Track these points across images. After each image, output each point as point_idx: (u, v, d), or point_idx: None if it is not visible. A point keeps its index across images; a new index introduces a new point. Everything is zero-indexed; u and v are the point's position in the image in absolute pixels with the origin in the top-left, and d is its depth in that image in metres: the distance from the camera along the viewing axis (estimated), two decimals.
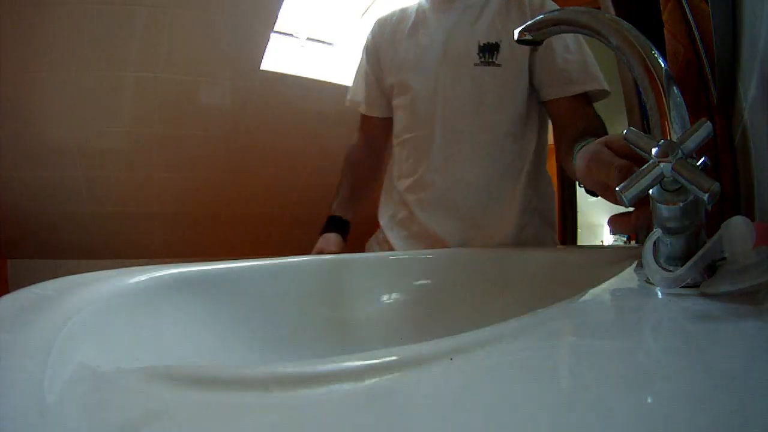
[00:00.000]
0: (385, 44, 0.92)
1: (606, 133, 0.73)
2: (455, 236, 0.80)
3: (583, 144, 0.59)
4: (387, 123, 0.95)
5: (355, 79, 0.99)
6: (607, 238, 1.92)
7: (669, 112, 0.33)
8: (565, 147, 0.72)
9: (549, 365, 0.22)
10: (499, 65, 0.80)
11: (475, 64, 0.81)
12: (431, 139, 0.83)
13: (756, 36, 0.44)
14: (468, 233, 0.80)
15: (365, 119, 0.99)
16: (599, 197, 0.54)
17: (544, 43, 0.73)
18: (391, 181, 0.92)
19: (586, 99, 0.80)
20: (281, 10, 1.86)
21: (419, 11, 0.90)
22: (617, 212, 0.46)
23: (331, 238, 0.88)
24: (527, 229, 0.83)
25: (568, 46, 0.82)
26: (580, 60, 0.81)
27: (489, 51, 0.80)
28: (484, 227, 0.81)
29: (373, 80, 0.95)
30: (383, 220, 0.92)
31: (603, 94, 0.82)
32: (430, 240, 0.81)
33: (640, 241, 1.23)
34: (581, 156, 0.50)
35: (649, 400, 0.17)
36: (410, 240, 0.84)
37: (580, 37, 0.83)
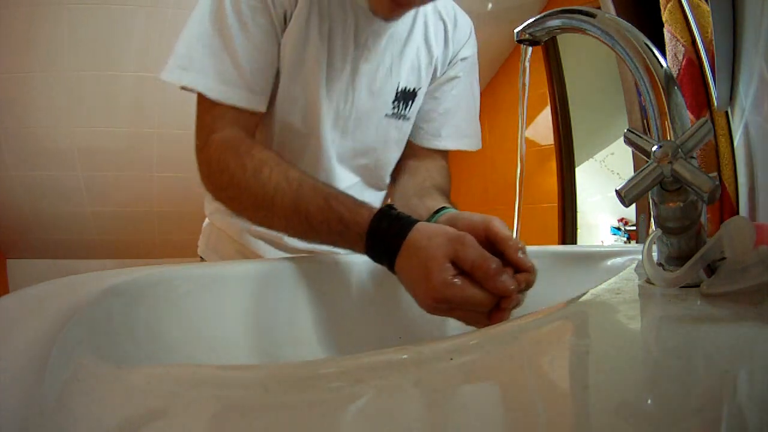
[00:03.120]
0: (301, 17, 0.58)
1: (449, 188, 0.69)
2: None
3: (442, 212, 0.55)
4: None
5: (220, 46, 0.55)
6: (607, 238, 1.92)
7: (669, 112, 0.33)
8: (412, 182, 0.67)
9: (549, 365, 0.22)
10: (408, 119, 0.70)
11: (386, 115, 0.68)
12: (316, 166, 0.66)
13: (756, 36, 0.44)
14: None
15: (244, 115, 0.58)
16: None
17: (429, 90, 0.69)
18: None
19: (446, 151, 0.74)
20: None
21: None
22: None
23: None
24: None
25: (456, 97, 0.73)
26: (463, 116, 0.74)
27: (405, 100, 0.68)
28: None
29: (272, 57, 0.59)
30: (242, 227, 0.71)
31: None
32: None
33: (641, 241, 1.23)
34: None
35: (649, 402, 0.17)
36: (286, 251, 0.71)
37: (471, 87, 0.75)
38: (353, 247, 0.48)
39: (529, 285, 0.43)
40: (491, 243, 0.45)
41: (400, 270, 0.45)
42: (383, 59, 0.66)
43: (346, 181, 0.70)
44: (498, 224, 0.46)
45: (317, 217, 0.49)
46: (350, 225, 0.48)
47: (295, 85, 0.62)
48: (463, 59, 0.72)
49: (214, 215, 0.76)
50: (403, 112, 0.69)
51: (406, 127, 0.71)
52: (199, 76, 0.54)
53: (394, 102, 0.68)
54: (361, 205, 0.49)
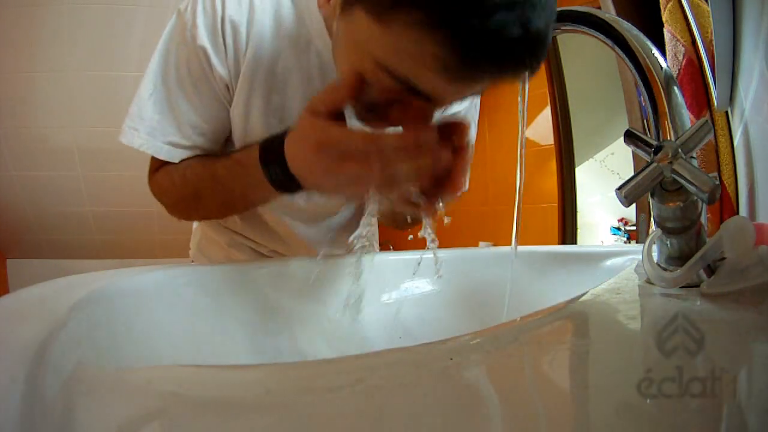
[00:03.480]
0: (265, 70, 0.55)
1: None
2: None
3: None
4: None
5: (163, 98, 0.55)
6: (607, 238, 1.92)
7: (669, 112, 0.33)
8: None
9: (549, 365, 0.22)
10: None
11: None
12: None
13: (756, 36, 0.44)
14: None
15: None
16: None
17: None
18: None
19: None
20: None
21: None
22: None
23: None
24: None
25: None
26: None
27: None
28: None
29: (219, 122, 0.57)
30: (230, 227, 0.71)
31: None
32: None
33: (641, 241, 1.23)
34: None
35: (649, 402, 0.17)
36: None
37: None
38: (259, 182, 0.47)
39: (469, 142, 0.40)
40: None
41: (297, 168, 0.43)
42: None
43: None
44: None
45: (225, 174, 0.51)
46: (245, 162, 0.48)
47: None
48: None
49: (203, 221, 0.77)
50: None
51: None
52: (149, 140, 0.56)
53: None
54: (250, 143, 0.49)
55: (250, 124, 0.57)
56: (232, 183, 0.51)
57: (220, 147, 0.60)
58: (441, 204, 0.42)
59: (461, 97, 0.40)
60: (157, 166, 0.59)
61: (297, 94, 0.57)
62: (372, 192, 0.40)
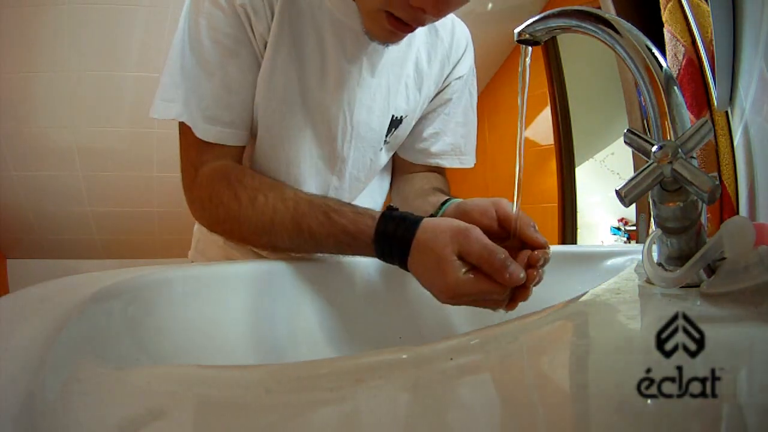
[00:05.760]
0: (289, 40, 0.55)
1: (449, 192, 0.68)
2: None
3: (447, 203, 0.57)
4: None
5: (200, 75, 0.53)
6: (607, 238, 1.92)
7: (669, 112, 0.33)
8: (412, 188, 0.68)
9: (549, 365, 0.22)
10: (388, 143, 0.66)
11: (381, 148, 0.65)
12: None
13: (756, 36, 0.44)
14: None
15: (229, 149, 0.56)
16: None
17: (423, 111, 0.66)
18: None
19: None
20: None
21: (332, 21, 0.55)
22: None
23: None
24: None
25: (449, 116, 0.70)
26: (459, 133, 0.71)
27: (395, 127, 0.64)
28: None
29: (249, 91, 0.56)
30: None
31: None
32: None
33: (641, 241, 1.23)
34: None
35: (649, 402, 0.17)
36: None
37: (465, 105, 0.72)
38: (363, 253, 0.49)
39: (546, 261, 0.45)
40: (503, 223, 0.47)
41: (414, 269, 0.46)
42: (379, 88, 0.60)
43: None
44: (506, 203, 0.48)
45: (321, 232, 0.49)
46: (356, 235, 0.48)
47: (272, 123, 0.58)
48: (458, 78, 0.68)
49: None
50: (388, 139, 0.65)
51: (387, 153, 0.68)
52: (185, 110, 0.53)
53: (387, 135, 0.64)
54: (362, 213, 0.49)
55: (273, 84, 0.56)
56: (326, 241, 0.49)
57: (248, 134, 0.58)
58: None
59: None
60: (203, 157, 0.54)
61: (314, 53, 0.56)
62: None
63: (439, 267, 0.43)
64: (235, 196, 0.52)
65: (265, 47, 0.54)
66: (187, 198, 0.57)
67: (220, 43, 0.52)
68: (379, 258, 0.48)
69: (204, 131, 0.53)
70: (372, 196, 0.73)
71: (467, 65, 0.70)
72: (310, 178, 0.61)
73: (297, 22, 0.55)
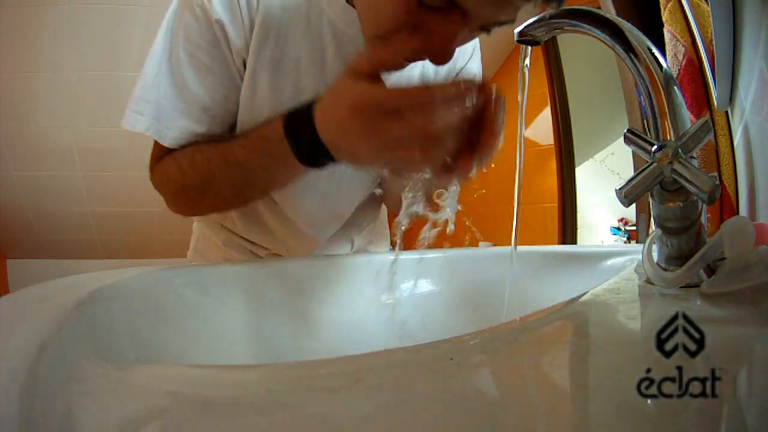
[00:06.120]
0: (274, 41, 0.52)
1: None
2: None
3: None
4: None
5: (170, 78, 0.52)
6: (607, 238, 1.92)
7: (669, 112, 0.33)
8: None
9: (549, 365, 0.22)
10: None
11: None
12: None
13: (756, 36, 0.44)
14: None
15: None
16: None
17: None
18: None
19: None
20: None
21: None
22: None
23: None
24: None
25: None
26: None
27: None
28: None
29: (231, 100, 0.54)
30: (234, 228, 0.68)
31: None
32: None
33: (641, 241, 1.23)
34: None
35: (649, 402, 0.17)
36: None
37: None
38: (284, 156, 0.45)
39: (502, 103, 0.38)
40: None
41: (329, 134, 0.41)
42: None
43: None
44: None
45: (243, 154, 0.48)
46: (269, 136, 0.45)
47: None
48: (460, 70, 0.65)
49: (202, 220, 0.74)
50: None
51: None
52: (154, 124, 0.52)
53: None
54: (272, 117, 0.46)
55: (256, 103, 0.54)
56: (250, 161, 0.47)
57: (227, 132, 0.56)
58: (475, 166, 0.39)
59: (496, 17, 0.39)
60: (162, 153, 0.55)
61: (311, 68, 0.53)
62: (414, 157, 0.38)
63: (341, 95, 0.38)
64: (179, 166, 0.52)
65: (244, 64, 0.52)
66: (154, 187, 0.57)
67: (194, 57, 0.51)
68: (295, 151, 0.43)
69: (175, 140, 0.53)
70: (372, 206, 0.71)
71: (474, 69, 0.67)
72: (305, 191, 0.60)
73: (286, 37, 0.52)
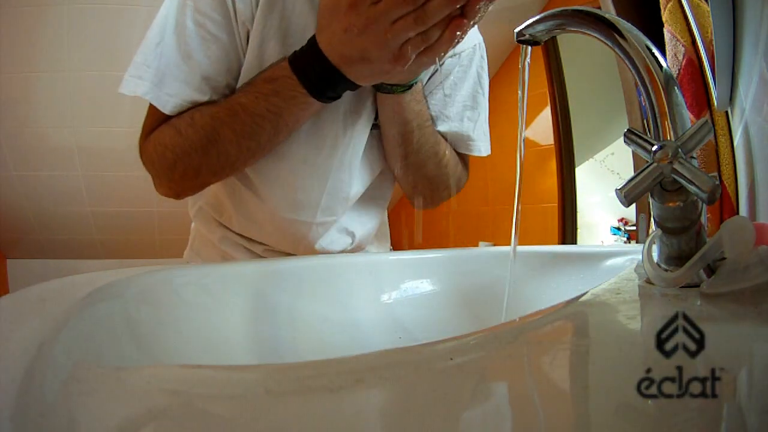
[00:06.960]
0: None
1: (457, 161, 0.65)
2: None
3: None
4: None
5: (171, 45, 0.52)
6: (607, 238, 1.92)
7: (669, 112, 0.33)
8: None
9: (549, 365, 0.22)
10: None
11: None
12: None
13: (756, 36, 0.44)
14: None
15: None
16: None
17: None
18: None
19: None
20: None
21: None
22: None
23: None
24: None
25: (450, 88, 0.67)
26: (471, 116, 0.69)
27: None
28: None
29: (235, 72, 0.54)
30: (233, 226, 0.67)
31: None
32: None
33: (641, 241, 1.23)
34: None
35: (650, 402, 0.17)
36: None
37: (469, 81, 0.69)
38: (292, 92, 0.46)
39: None
40: None
41: (335, 49, 0.43)
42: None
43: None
44: None
45: (250, 101, 0.48)
46: (275, 76, 0.46)
47: None
48: (452, 55, 0.64)
49: (198, 217, 0.73)
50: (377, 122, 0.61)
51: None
52: (153, 89, 0.51)
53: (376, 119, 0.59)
54: (274, 63, 0.48)
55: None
56: (258, 106, 0.47)
57: None
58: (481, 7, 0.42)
59: None
60: (155, 125, 0.54)
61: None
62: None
63: (335, 6, 0.41)
64: (176, 131, 0.51)
65: (248, 36, 0.52)
66: (143, 164, 0.57)
67: (203, 27, 0.51)
68: (304, 84, 0.45)
69: (173, 108, 0.52)
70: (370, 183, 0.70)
71: (470, 41, 0.66)
72: (302, 167, 0.59)
73: (292, 5, 0.52)
